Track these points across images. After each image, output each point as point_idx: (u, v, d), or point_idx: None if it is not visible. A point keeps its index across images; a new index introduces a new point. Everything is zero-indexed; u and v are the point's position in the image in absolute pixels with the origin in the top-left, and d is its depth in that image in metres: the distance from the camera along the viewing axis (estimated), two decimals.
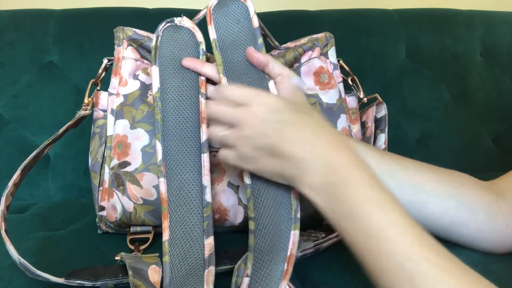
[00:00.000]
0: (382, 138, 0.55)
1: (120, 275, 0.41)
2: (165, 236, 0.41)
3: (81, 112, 0.51)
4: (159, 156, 0.44)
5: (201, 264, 0.40)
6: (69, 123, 0.50)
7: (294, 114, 0.39)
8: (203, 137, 0.44)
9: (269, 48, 0.56)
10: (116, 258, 0.42)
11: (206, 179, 0.43)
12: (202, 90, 0.47)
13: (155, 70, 0.47)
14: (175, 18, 0.50)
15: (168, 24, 0.49)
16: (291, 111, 0.39)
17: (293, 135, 0.38)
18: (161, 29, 0.49)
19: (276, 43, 0.58)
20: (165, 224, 0.41)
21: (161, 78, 0.47)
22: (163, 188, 0.43)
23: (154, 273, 0.41)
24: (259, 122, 0.38)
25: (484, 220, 0.44)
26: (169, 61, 0.48)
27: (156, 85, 0.46)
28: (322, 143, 0.37)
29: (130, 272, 0.39)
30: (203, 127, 0.45)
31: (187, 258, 0.40)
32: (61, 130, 0.49)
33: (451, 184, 0.45)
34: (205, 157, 0.44)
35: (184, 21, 0.49)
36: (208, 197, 0.43)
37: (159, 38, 0.48)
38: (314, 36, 0.58)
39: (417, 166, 0.46)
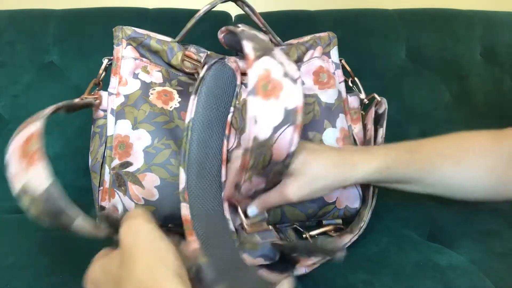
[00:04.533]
0: (381, 132, 0.54)
1: None
2: (195, 245, 0.42)
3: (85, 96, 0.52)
4: (182, 184, 0.45)
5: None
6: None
7: None
8: (223, 178, 0.48)
9: None
10: None
11: (227, 213, 0.46)
12: (227, 132, 0.49)
13: (192, 100, 0.48)
14: (226, 56, 0.51)
15: (219, 60, 0.51)
16: None
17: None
18: (212, 63, 0.50)
19: (278, 38, 0.58)
20: (193, 238, 0.43)
21: (197, 109, 0.48)
22: (186, 211, 0.44)
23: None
24: None
25: (488, 182, 0.45)
26: (209, 95, 0.49)
27: (190, 115, 0.47)
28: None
29: None
30: (223, 168, 0.48)
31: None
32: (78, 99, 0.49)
33: (466, 163, 0.46)
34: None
35: (231, 62, 0.51)
36: (231, 227, 0.46)
37: (208, 71, 0.49)
38: (317, 35, 0.58)
39: (434, 160, 0.46)
